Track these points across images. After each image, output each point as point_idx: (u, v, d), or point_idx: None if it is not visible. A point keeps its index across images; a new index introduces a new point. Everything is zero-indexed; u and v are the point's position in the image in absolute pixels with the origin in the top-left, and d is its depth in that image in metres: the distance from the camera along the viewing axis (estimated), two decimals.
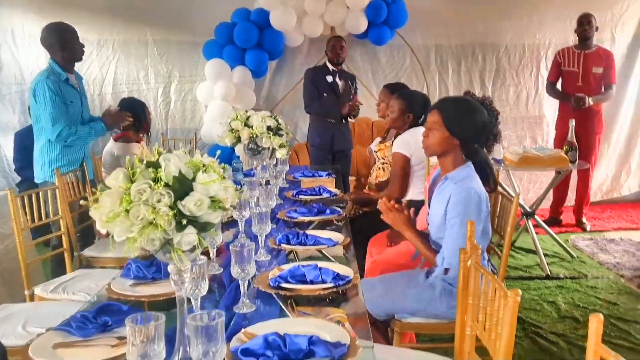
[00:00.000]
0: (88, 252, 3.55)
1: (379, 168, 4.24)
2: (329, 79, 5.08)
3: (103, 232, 1.31)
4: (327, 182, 3.87)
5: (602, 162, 6.69)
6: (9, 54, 6.18)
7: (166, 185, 1.27)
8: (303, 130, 6.16)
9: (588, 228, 5.75)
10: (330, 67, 5.13)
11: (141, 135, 4.51)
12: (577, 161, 4.56)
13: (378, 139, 4.42)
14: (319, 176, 4.10)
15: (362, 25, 5.93)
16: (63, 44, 3.63)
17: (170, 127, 6.47)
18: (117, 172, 1.29)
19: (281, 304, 1.86)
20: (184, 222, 1.26)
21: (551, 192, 5.75)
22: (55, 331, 1.63)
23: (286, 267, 2.09)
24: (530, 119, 6.65)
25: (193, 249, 1.34)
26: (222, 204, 1.32)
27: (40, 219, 3.13)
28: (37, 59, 6.18)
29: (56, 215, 3.27)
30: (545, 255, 4.68)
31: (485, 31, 6.48)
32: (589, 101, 5.32)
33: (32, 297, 2.91)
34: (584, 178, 5.73)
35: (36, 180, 3.78)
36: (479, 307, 1.61)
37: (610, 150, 6.66)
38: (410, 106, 3.70)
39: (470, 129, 2.45)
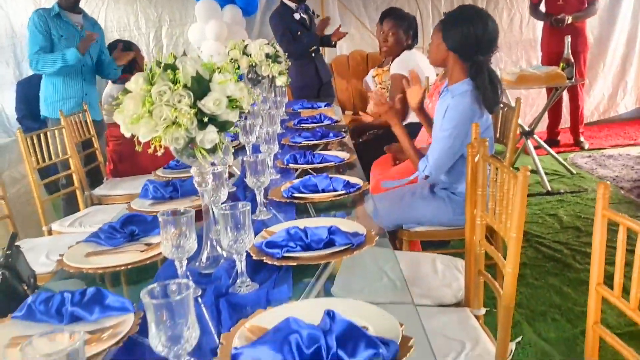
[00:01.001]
0: (98, 191, 3.61)
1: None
2: (297, 16, 4.85)
3: (127, 135, 1.36)
4: (327, 111, 3.91)
5: (598, 82, 6.71)
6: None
7: (185, 86, 1.31)
8: None
9: (586, 146, 5.82)
10: (292, 4, 4.86)
11: None
12: (574, 77, 4.59)
13: (372, 70, 4.44)
14: (318, 107, 4.14)
15: None
16: None
17: None
18: (137, 76, 1.33)
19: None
20: (205, 120, 1.32)
21: (546, 114, 5.80)
22: (85, 243, 1.71)
23: (297, 180, 2.15)
24: (524, 42, 6.62)
25: (214, 149, 1.40)
26: (239, 103, 1.37)
27: (49, 159, 3.17)
28: (26, 10, 6.11)
29: (64, 155, 3.32)
30: (545, 173, 4.76)
31: None
32: (568, 19, 5.32)
33: (49, 233, 2.99)
34: (574, 97, 5.77)
35: (42, 115, 3.87)
36: (488, 195, 1.68)
37: (605, 69, 6.67)
38: (405, 25, 3.73)
39: (461, 37, 2.41)
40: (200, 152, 1.36)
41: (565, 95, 5.90)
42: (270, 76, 3.24)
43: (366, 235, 1.55)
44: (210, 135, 1.34)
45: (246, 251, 1.36)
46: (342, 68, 6.22)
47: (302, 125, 3.43)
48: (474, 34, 2.38)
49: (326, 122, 3.46)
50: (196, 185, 1.49)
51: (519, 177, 1.36)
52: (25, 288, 1.94)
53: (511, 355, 1.56)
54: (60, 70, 3.70)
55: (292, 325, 1.00)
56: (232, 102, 1.36)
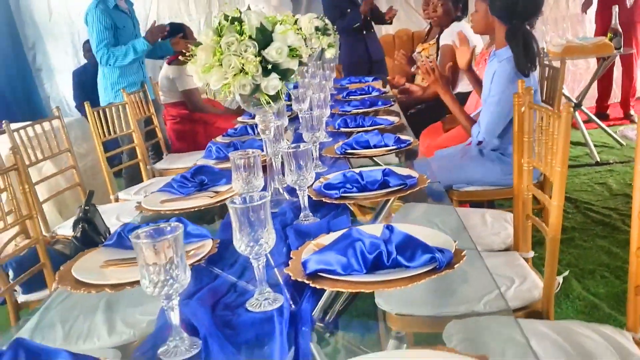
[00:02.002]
0: (159, 165, 3.82)
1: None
2: None
3: (199, 84, 1.50)
4: (375, 84, 4.00)
5: None
6: None
7: (250, 37, 1.45)
8: None
9: (637, 119, 5.74)
10: None
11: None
12: (622, 47, 4.55)
13: (418, 46, 4.51)
14: (366, 81, 4.23)
15: None
16: None
17: None
18: (206, 30, 1.47)
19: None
20: (269, 67, 1.45)
21: (595, 88, 5.76)
22: (159, 192, 1.87)
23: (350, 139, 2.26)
24: (571, 17, 6.55)
25: (277, 97, 1.53)
26: (298, 52, 1.50)
27: (113, 133, 3.38)
28: (86, 1, 6.39)
29: (127, 129, 3.52)
30: (594, 146, 4.74)
31: None
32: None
33: (116, 201, 3.20)
34: (628, 68, 5.69)
35: (101, 104, 4.03)
36: (535, 141, 1.76)
37: None
38: None
39: (505, 2, 2.48)
40: (265, 98, 1.49)
41: (617, 70, 5.83)
42: (320, 48, 3.36)
43: (418, 178, 1.66)
44: (274, 82, 1.47)
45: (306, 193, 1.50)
46: (388, 47, 6.28)
47: (350, 97, 3.54)
48: (525, 3, 2.43)
49: (374, 93, 3.55)
50: (260, 133, 1.63)
51: (562, 113, 1.44)
52: (102, 240, 2.13)
53: (558, 287, 1.64)
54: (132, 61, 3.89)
55: (355, 234, 1.12)
56: (293, 51, 1.49)
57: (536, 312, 1.59)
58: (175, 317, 0.94)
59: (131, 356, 1.02)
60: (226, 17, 1.47)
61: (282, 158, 1.75)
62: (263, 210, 1.02)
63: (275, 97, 1.52)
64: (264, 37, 1.46)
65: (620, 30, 4.50)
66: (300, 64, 1.56)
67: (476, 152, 2.69)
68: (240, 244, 1.04)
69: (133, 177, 3.81)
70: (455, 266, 1.08)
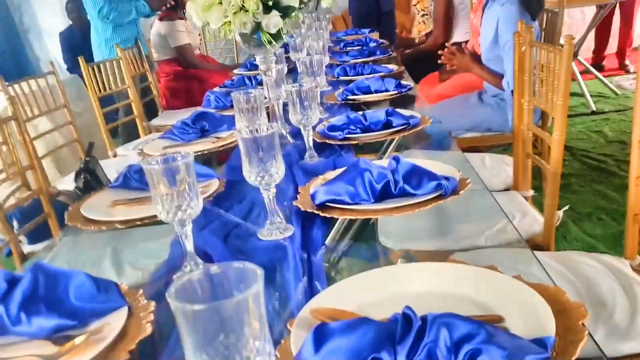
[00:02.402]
0: (155, 121, 3.80)
1: (420, 22, 4.32)
2: None
3: (199, 24, 1.49)
4: (372, 35, 3.97)
5: None
6: None
7: None
8: None
9: (632, 69, 5.73)
10: None
11: (183, 12, 4.62)
12: None
13: (413, 1, 4.46)
14: (363, 32, 4.20)
15: None
16: None
17: None
18: None
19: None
20: (270, 4, 1.44)
21: (593, 39, 5.73)
22: (161, 139, 1.87)
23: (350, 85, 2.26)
24: None
25: (278, 36, 1.52)
26: None
27: (109, 89, 3.35)
28: None
29: (123, 85, 3.49)
30: (590, 96, 4.74)
31: None
32: None
33: (115, 157, 3.19)
34: (627, 17, 5.64)
35: (95, 60, 4.00)
36: (535, 81, 1.76)
37: None
38: None
39: None
40: (266, 37, 1.48)
41: (616, 18, 5.77)
42: None
43: (421, 118, 1.66)
44: (275, 19, 1.46)
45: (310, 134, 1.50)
46: None
47: (348, 48, 3.52)
48: None
49: (372, 44, 3.53)
50: (262, 74, 1.63)
51: (565, 45, 1.44)
52: None
53: (559, 221, 1.67)
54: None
55: (362, 165, 1.13)
56: None
57: (537, 245, 1.62)
58: (189, 244, 0.96)
59: (146, 285, 1.04)
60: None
61: (283, 102, 1.76)
62: (272, 141, 1.03)
63: (277, 36, 1.51)
64: None
65: None
66: (301, 3, 1.55)
67: (475, 99, 2.70)
68: (250, 174, 1.04)
69: (129, 135, 3.80)
70: (461, 192, 1.09)
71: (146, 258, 1.45)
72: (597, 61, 5.94)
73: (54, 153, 3.06)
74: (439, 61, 2.71)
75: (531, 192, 1.90)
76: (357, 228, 1.19)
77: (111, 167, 2.79)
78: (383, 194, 1.10)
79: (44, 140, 2.98)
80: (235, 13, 1.43)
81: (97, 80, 3.23)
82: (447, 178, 1.10)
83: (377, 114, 1.63)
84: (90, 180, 2.18)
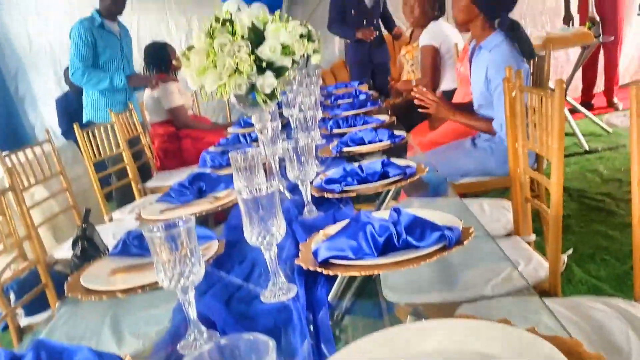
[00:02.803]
0: (150, 183, 3.80)
1: (409, 72, 4.38)
2: None
3: (194, 88, 1.50)
4: (362, 87, 4.03)
5: (625, 44, 6.65)
6: (37, 28, 6.41)
7: (242, 37, 1.45)
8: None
9: (620, 107, 5.81)
10: None
11: (174, 75, 4.69)
12: (601, 35, 4.62)
13: (402, 49, 4.54)
14: (352, 85, 4.26)
15: None
16: None
17: None
18: (199, 33, 1.48)
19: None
20: (263, 65, 1.45)
21: (581, 78, 5.85)
22: (158, 202, 1.86)
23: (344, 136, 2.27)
24: (548, 10, 6.62)
25: (273, 95, 1.54)
26: (291, 49, 1.50)
27: (103, 154, 3.36)
28: (65, 30, 6.36)
29: (117, 149, 3.51)
30: (581, 135, 4.78)
31: None
32: None
33: (111, 221, 3.18)
34: (611, 56, 5.76)
35: (82, 121, 4.05)
36: (528, 124, 1.78)
37: (632, 30, 6.61)
38: None
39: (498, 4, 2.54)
40: (261, 97, 1.50)
41: (601, 58, 5.89)
42: (305, 55, 3.36)
43: (417, 167, 1.67)
44: (269, 79, 1.47)
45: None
46: None
47: (338, 101, 3.55)
48: None
49: (362, 97, 3.57)
50: (257, 133, 1.63)
51: (555, 90, 1.46)
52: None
53: (564, 265, 1.65)
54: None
55: (363, 218, 1.12)
56: (286, 49, 1.50)
57: (544, 291, 1.60)
58: (192, 311, 0.94)
59: (150, 354, 1.01)
60: (217, 19, 1.47)
61: (279, 158, 1.76)
62: (273, 200, 1.02)
63: (272, 96, 1.53)
64: (257, 36, 1.47)
65: (597, 19, 4.57)
66: (293, 62, 1.57)
67: (469, 144, 2.72)
68: (251, 235, 1.03)
69: (124, 198, 3.79)
70: (465, 242, 1.08)
71: (147, 325, 1.42)
72: (586, 100, 6.03)
73: (50, 221, 3.04)
74: (415, 101, 2.74)
75: (533, 237, 1.90)
76: (360, 283, 1.17)
77: (107, 232, 2.77)
78: (386, 247, 1.09)
79: (40, 208, 2.96)
80: (230, 76, 1.44)
81: (91, 146, 3.25)
82: (450, 228, 1.09)
83: (374, 165, 1.63)
84: (88, 247, 2.16)
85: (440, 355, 0.77)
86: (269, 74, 1.47)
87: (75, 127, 3.14)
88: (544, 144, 1.63)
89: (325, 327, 0.96)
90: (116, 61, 3.99)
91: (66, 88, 6.14)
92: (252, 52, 1.45)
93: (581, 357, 0.69)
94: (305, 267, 1.11)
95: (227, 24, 1.46)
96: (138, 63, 5.39)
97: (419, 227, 1.10)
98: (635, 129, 1.34)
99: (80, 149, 3.30)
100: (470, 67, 2.77)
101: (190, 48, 1.48)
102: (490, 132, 2.56)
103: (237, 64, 1.43)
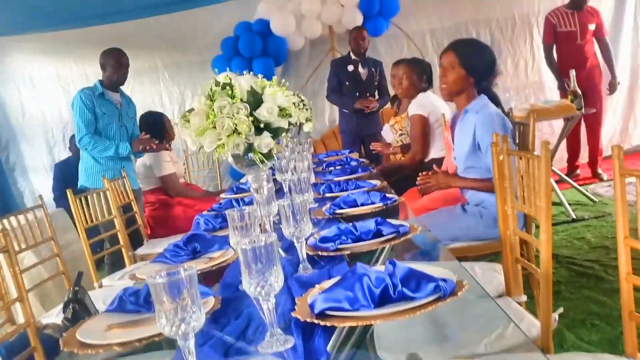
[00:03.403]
0: (140, 250, 3.79)
1: (397, 141, 4.48)
2: (350, 68, 5.42)
3: (193, 148, 1.55)
4: (353, 155, 4.11)
5: (607, 116, 6.85)
6: (30, 98, 6.54)
7: (241, 100, 1.52)
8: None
9: (605, 177, 5.93)
10: (353, 56, 5.48)
11: (167, 144, 4.78)
12: (583, 108, 4.78)
13: (391, 120, 4.67)
14: (343, 153, 4.34)
15: (358, 19, 6.20)
16: (104, 66, 4.05)
17: (190, 145, 6.73)
18: (199, 97, 1.54)
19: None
20: (261, 126, 1.51)
21: (565, 149, 6.00)
22: (153, 263, 1.87)
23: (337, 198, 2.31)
24: (531, 85, 6.87)
25: (269, 155, 1.59)
26: (288, 111, 1.57)
27: (95, 219, 3.37)
28: (57, 100, 6.55)
29: (109, 215, 3.52)
30: (568, 204, 4.86)
31: (475, 8, 6.75)
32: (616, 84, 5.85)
33: (101, 287, 3.15)
34: (593, 128, 5.93)
35: (79, 184, 4.08)
36: (516, 187, 1.83)
37: (613, 103, 6.84)
38: (419, 69, 3.98)
39: (483, 66, 2.69)
40: (258, 156, 1.55)
41: (584, 131, 6.06)
42: (298, 123, 3.46)
43: (410, 226, 1.70)
44: (266, 139, 1.53)
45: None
46: None
47: (330, 168, 3.62)
48: (490, 59, 2.64)
49: (353, 163, 3.65)
50: (253, 192, 1.67)
51: (541, 150, 1.52)
52: None
53: (556, 323, 1.66)
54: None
55: (360, 270, 1.14)
56: (282, 111, 1.56)
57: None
58: (192, 358, 0.95)
59: None
60: (217, 83, 1.54)
61: (273, 220, 1.80)
62: (271, 250, 1.05)
63: (268, 155, 1.57)
64: (255, 99, 1.53)
65: (579, 92, 4.74)
66: (290, 124, 1.63)
67: (459, 209, 2.77)
68: (249, 285, 1.05)
69: (115, 265, 3.78)
70: (459, 293, 1.11)
71: None
72: (571, 170, 6.15)
73: (39, 287, 3.01)
74: (417, 183, 2.82)
75: (524, 297, 1.91)
76: (358, 336, 1.18)
77: (98, 298, 2.74)
78: (383, 299, 1.11)
79: (29, 274, 2.94)
80: (228, 136, 1.49)
81: (83, 212, 3.26)
82: (444, 280, 1.12)
83: (367, 224, 1.67)
84: (79, 310, 2.13)
85: None
86: (266, 134, 1.53)
87: (69, 192, 3.17)
88: (532, 204, 1.68)
89: None
90: (114, 128, 4.07)
91: (58, 158, 6.23)
92: (251, 114, 1.51)
93: None
94: (302, 319, 1.12)
95: (227, 87, 1.52)
96: None
97: (415, 278, 1.13)
98: (618, 186, 1.39)
99: (72, 215, 3.31)
100: (452, 133, 2.85)
101: (190, 111, 1.54)
102: (492, 190, 2.62)
103: (235, 125, 1.48)
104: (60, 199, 5.67)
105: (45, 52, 6.48)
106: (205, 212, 2.77)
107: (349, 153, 4.34)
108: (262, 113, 1.52)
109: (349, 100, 5.40)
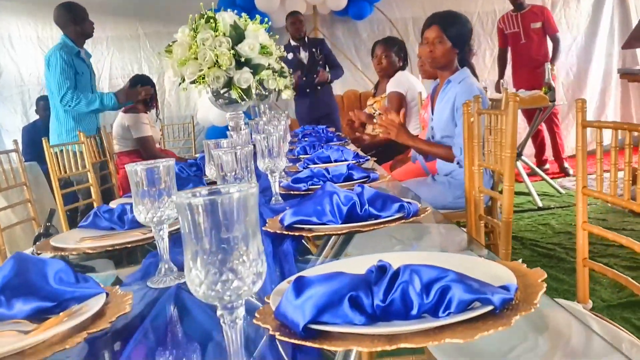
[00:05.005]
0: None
1: (376, 122, 4.55)
2: (290, 56, 5.36)
3: (174, 79, 1.59)
4: (330, 129, 4.16)
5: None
6: (7, 58, 6.46)
7: (223, 35, 1.56)
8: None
9: (571, 172, 6.07)
10: (293, 42, 5.46)
11: (151, 111, 4.78)
12: (555, 100, 4.90)
13: (369, 100, 4.74)
14: (320, 128, 4.39)
15: (342, 1, 6.25)
16: (75, 19, 3.94)
17: (166, 115, 6.73)
18: (182, 28, 1.57)
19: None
20: (242, 60, 1.55)
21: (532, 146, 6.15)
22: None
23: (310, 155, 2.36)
24: (508, 79, 6.97)
25: (248, 92, 1.63)
26: (269, 49, 1.61)
27: (67, 172, 3.38)
28: (36, 61, 6.47)
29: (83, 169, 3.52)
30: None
31: (457, 0, 6.83)
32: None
33: None
34: (552, 130, 6.10)
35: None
36: (483, 143, 1.90)
37: (586, 104, 6.97)
38: (397, 47, 4.06)
39: (465, 36, 2.75)
40: (237, 91, 1.59)
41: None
42: (277, 90, 3.48)
43: (379, 175, 1.76)
44: (246, 74, 1.57)
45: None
46: (338, 106, 6.56)
47: (305, 138, 3.67)
48: (470, 28, 2.72)
49: (329, 134, 3.70)
50: (230, 131, 1.71)
51: (509, 104, 1.59)
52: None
53: None
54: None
55: (329, 188, 1.19)
56: (264, 49, 1.60)
57: None
58: (164, 246, 0.99)
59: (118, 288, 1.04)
60: (201, 17, 1.58)
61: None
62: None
63: (247, 92, 1.62)
64: (237, 34, 1.57)
65: (553, 84, 4.86)
66: (271, 69, 1.67)
67: (430, 179, 2.84)
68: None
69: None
70: (422, 215, 1.17)
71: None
72: (540, 165, 6.29)
73: (7, 234, 3.00)
74: (375, 123, 2.88)
75: (485, 252, 1.98)
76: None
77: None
78: (349, 216, 1.16)
79: None
80: (209, 68, 1.53)
81: (58, 164, 3.26)
82: (409, 202, 1.18)
83: (339, 168, 1.72)
84: None
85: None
86: (246, 69, 1.57)
87: (44, 142, 3.16)
88: (497, 159, 1.75)
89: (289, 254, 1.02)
90: (89, 87, 4.05)
91: (32, 118, 6.16)
92: (232, 48, 1.55)
93: (522, 271, 0.77)
94: (272, 231, 1.17)
95: (211, 21, 1.56)
96: None
97: (381, 199, 1.18)
98: (580, 136, 1.46)
99: (47, 170, 3.30)
100: (433, 103, 2.92)
101: (173, 42, 1.58)
102: (450, 159, 2.69)
103: (217, 57, 1.52)
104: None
105: (26, 13, 6.40)
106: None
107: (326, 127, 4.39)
108: (244, 48, 1.56)
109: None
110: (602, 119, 7.06)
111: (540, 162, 6.30)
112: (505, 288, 0.68)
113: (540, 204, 4.81)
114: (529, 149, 5.99)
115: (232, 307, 0.58)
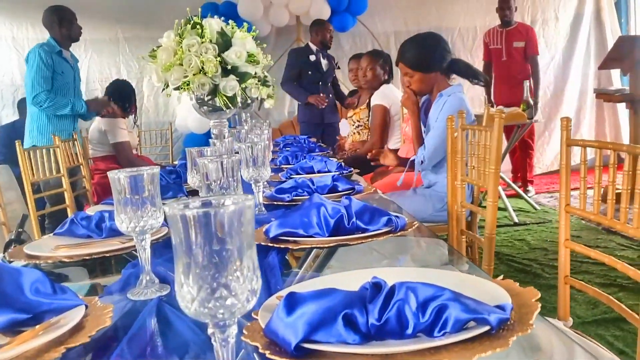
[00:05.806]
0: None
1: (354, 133, 4.55)
2: (312, 58, 5.40)
3: (157, 84, 1.55)
4: (312, 139, 4.15)
5: (553, 137, 7.10)
6: None
7: (210, 41, 1.53)
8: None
9: (532, 192, 6.05)
10: (314, 47, 5.45)
11: (129, 117, 4.72)
12: (533, 118, 4.96)
13: (349, 113, 4.74)
14: (301, 138, 4.37)
15: (325, 13, 6.25)
16: (61, 22, 3.91)
17: (144, 121, 6.65)
18: (168, 33, 1.54)
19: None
20: (228, 67, 1.53)
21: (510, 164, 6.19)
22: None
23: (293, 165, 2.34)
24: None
25: (233, 100, 1.60)
26: (256, 58, 1.59)
27: (40, 176, 3.30)
28: (10, 62, 6.36)
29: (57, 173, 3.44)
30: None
31: (439, 16, 6.91)
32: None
33: None
34: (525, 147, 6.13)
35: (24, 147, 3.95)
36: (467, 159, 1.90)
37: (559, 124, 7.06)
38: (382, 60, 4.06)
39: (436, 55, 2.74)
40: (222, 99, 1.56)
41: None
42: (259, 98, 3.46)
43: (364, 187, 1.75)
44: (232, 82, 1.54)
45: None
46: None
47: (288, 147, 3.65)
48: (436, 45, 2.70)
49: (311, 145, 3.68)
50: (214, 138, 1.68)
51: (495, 121, 1.58)
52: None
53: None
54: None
55: (316, 199, 1.17)
56: (251, 57, 1.58)
57: None
58: (145, 256, 0.96)
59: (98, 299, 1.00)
60: (187, 22, 1.55)
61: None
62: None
63: (232, 100, 1.59)
64: (224, 41, 1.54)
65: (531, 102, 4.91)
66: (256, 74, 1.65)
67: (411, 192, 2.83)
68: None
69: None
70: (409, 229, 1.15)
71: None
72: (515, 181, 6.33)
73: None
74: (368, 156, 2.90)
75: (466, 267, 1.97)
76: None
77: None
78: (337, 229, 1.14)
79: None
80: (194, 74, 1.50)
81: (31, 167, 3.18)
82: (397, 216, 1.16)
83: (324, 179, 1.70)
84: None
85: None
86: (232, 77, 1.54)
87: (17, 144, 3.09)
88: (481, 175, 1.75)
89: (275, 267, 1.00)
90: (69, 88, 3.99)
91: (6, 120, 6.04)
92: (218, 55, 1.52)
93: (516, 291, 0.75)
94: (256, 242, 1.14)
95: (197, 27, 1.53)
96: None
97: (368, 213, 1.16)
98: (564, 154, 1.47)
99: (17, 174, 3.22)
100: (426, 117, 2.90)
101: (158, 47, 1.54)
102: (415, 150, 2.73)
103: (202, 64, 1.49)
104: (5, 164, 5.50)
105: (1, 13, 6.28)
106: None
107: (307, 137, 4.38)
108: (230, 56, 1.53)
109: (303, 92, 5.38)
110: (577, 138, 7.18)
111: (517, 178, 6.35)
112: (500, 307, 0.67)
113: (516, 220, 4.85)
114: (506, 165, 6.03)
115: (225, 325, 0.56)
